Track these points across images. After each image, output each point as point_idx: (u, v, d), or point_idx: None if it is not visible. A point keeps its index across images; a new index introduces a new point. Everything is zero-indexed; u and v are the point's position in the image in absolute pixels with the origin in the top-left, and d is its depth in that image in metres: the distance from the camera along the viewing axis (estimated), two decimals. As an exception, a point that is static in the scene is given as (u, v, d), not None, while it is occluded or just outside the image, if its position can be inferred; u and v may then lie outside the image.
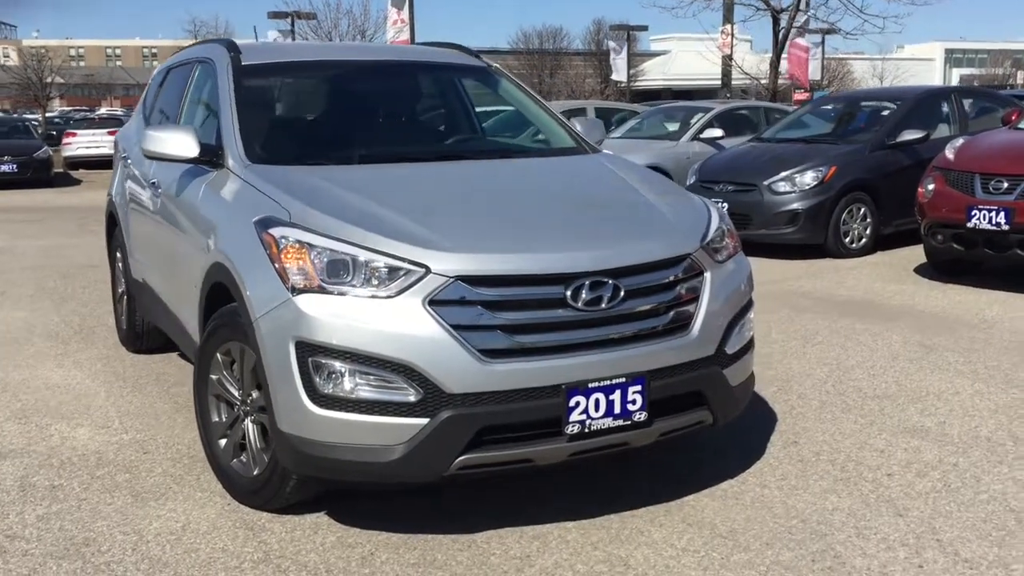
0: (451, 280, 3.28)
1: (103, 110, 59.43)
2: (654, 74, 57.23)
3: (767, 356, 5.97)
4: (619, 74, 31.90)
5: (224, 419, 3.91)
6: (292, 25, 38.74)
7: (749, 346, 4.00)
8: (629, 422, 3.47)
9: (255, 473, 3.74)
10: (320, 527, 3.65)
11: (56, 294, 8.48)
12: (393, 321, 3.25)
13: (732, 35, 21.75)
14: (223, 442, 3.91)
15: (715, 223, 3.97)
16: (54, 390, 5.49)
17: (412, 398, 3.25)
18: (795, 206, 9.52)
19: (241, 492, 3.83)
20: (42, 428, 4.84)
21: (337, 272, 3.34)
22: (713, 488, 3.99)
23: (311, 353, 3.30)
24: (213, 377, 3.91)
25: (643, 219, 3.91)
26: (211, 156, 4.26)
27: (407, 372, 3.24)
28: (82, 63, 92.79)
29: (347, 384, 3.27)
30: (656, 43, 64.21)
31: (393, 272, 3.31)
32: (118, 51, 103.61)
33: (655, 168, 11.97)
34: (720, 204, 9.81)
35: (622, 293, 3.46)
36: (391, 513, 3.73)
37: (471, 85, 5.39)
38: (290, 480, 3.60)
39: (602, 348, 3.43)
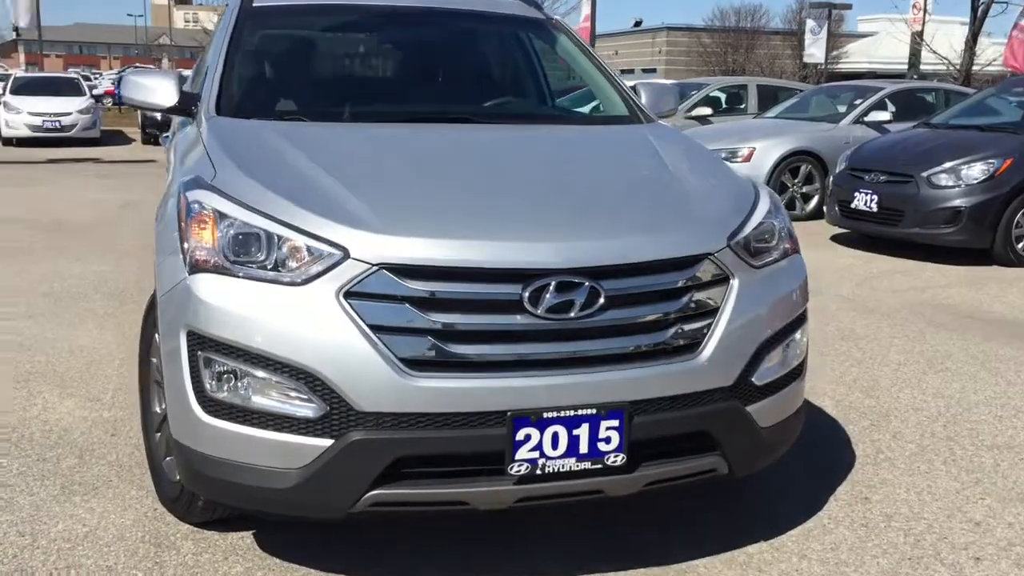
0: (373, 268, 2.59)
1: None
2: (858, 56, 53.80)
3: (874, 381, 4.96)
4: (815, 55, 29.84)
5: (160, 410, 3.37)
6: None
7: (794, 376, 3.12)
8: (600, 465, 2.68)
9: (177, 478, 3.18)
10: (234, 552, 3.05)
11: (150, 251, 8.29)
12: (298, 315, 2.60)
13: (924, 10, 19.75)
14: (158, 436, 3.37)
15: (758, 217, 3.09)
16: (73, 353, 5.16)
17: (313, 413, 2.58)
18: (957, 203, 8.20)
19: (164, 498, 3.29)
20: (32, 395, 4.48)
21: (246, 249, 2.71)
22: (736, 551, 3.14)
23: (202, 347, 2.69)
24: (153, 360, 3.37)
25: (657, 206, 3.08)
26: (189, 106, 3.72)
27: (309, 380, 2.58)
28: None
29: (239, 389, 2.65)
30: (864, 23, 60.47)
31: (307, 254, 2.65)
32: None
33: (804, 152, 10.88)
34: (870, 196, 8.69)
35: (601, 299, 2.67)
36: (330, 545, 3.09)
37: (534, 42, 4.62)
38: (200, 496, 3.02)
39: (568, 368, 2.66)
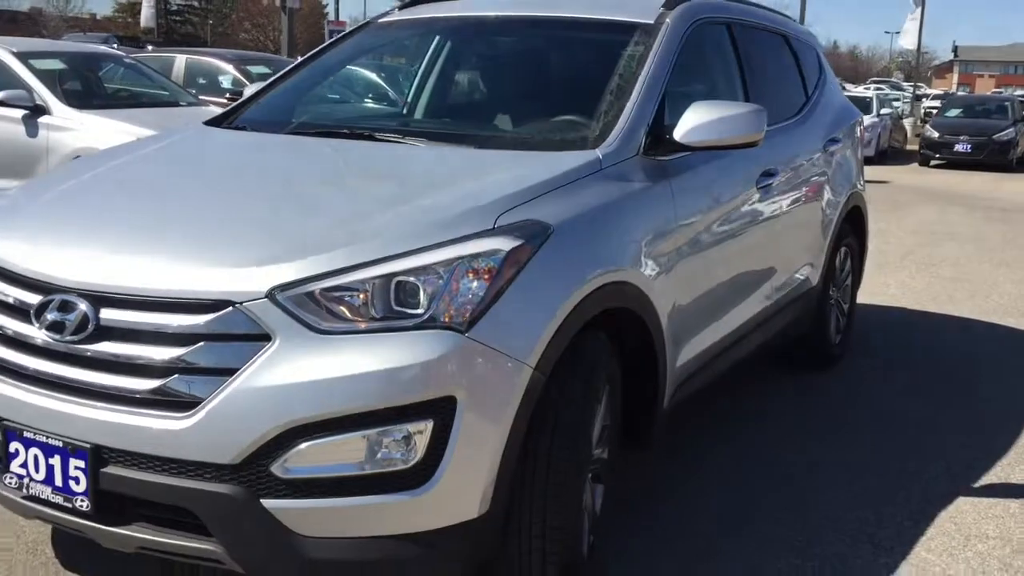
0: None
1: None
2: None
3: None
4: None
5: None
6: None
7: (375, 485, 2.34)
8: (70, 505, 2.49)
9: None
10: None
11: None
12: None
13: None
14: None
15: (393, 267, 2.41)
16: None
17: None
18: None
19: None
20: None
21: None
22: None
23: None
24: None
25: (257, 236, 2.61)
26: None
27: None
28: None
29: None
30: None
31: None
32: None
33: None
34: None
35: (90, 327, 2.47)
36: None
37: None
38: None
39: (53, 392, 2.53)
